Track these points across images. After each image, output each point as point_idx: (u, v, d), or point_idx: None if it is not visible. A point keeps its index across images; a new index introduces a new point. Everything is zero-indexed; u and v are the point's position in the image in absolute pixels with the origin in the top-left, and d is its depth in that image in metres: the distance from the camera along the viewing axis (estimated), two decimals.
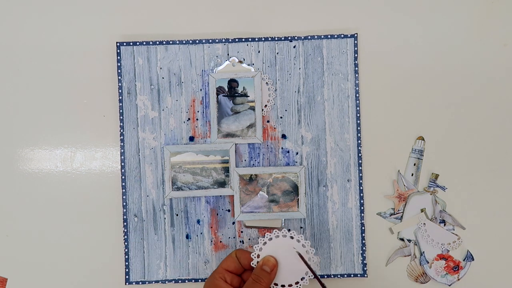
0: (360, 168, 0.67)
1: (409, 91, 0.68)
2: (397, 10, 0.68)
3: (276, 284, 0.58)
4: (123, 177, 0.67)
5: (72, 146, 0.68)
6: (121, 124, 0.67)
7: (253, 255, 0.59)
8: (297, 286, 0.58)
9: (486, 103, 0.68)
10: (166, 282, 0.67)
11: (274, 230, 0.60)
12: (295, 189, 0.66)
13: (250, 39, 0.67)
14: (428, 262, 0.67)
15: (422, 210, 0.67)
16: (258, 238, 0.67)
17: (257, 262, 0.58)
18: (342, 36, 0.67)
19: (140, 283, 0.67)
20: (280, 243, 0.59)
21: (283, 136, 0.67)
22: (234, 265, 0.59)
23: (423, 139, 0.67)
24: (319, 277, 0.57)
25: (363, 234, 0.67)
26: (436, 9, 0.68)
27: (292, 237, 0.60)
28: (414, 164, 0.67)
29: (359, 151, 0.67)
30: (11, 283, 0.68)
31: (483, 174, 0.67)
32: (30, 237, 0.68)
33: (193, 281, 0.67)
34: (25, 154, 0.68)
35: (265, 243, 0.59)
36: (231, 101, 0.67)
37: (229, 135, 0.67)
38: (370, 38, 0.68)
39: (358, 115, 0.67)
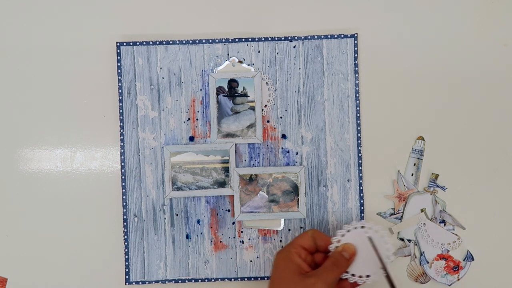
0: (360, 168, 0.67)
1: (409, 91, 0.68)
2: (397, 10, 0.68)
3: (347, 272, 0.58)
4: (123, 177, 0.67)
5: (72, 146, 0.68)
6: (121, 124, 0.67)
7: (334, 239, 0.59)
8: (367, 279, 0.58)
9: (486, 103, 0.68)
10: (166, 282, 0.67)
11: (361, 221, 0.59)
12: (295, 189, 0.66)
13: (250, 39, 0.67)
14: (428, 262, 0.67)
15: (422, 210, 0.67)
16: (258, 238, 0.67)
17: (336, 247, 0.58)
18: (342, 36, 0.67)
19: (140, 283, 0.67)
20: (360, 233, 0.58)
21: (283, 136, 0.67)
22: (309, 244, 0.58)
23: (423, 139, 0.67)
24: (390, 274, 0.56)
25: None
26: (436, 9, 0.68)
27: (377, 231, 0.58)
28: (414, 164, 0.67)
29: (359, 151, 0.67)
30: (11, 283, 0.68)
31: (483, 174, 0.67)
32: (30, 237, 0.68)
33: (193, 281, 0.67)
34: (25, 154, 0.68)
35: (348, 230, 0.59)
36: (231, 101, 0.67)
37: (229, 135, 0.67)
38: (370, 38, 0.68)
39: (358, 115, 0.67)
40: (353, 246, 0.58)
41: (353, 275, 0.58)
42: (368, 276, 0.57)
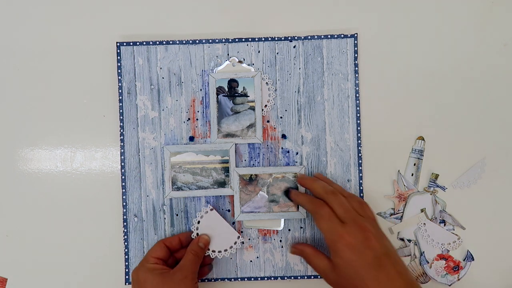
0: (360, 168, 0.67)
1: (409, 91, 0.68)
2: (397, 10, 0.68)
3: (213, 251, 0.65)
4: (123, 177, 0.67)
5: (72, 146, 0.68)
6: (121, 124, 0.67)
7: (193, 229, 0.65)
8: (225, 253, 0.65)
9: (486, 103, 0.68)
10: None
11: (208, 206, 0.66)
12: (295, 189, 0.66)
13: (250, 39, 0.67)
14: (428, 262, 0.67)
15: (422, 210, 0.67)
16: (258, 238, 0.67)
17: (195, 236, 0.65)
18: (342, 36, 0.67)
19: None
20: (210, 215, 0.66)
21: (283, 136, 0.67)
22: (163, 253, 0.63)
23: (423, 139, 0.67)
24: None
25: None
26: (436, 9, 0.68)
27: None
28: (414, 164, 0.67)
29: (359, 151, 0.67)
30: (11, 283, 0.68)
31: (483, 174, 0.67)
32: (30, 237, 0.68)
33: None
34: (25, 154, 0.68)
35: (201, 216, 0.65)
36: (231, 101, 0.67)
37: (229, 135, 0.67)
38: (370, 38, 0.68)
39: (358, 115, 0.67)
40: (207, 236, 0.65)
41: (213, 251, 0.65)
42: (225, 250, 0.65)
